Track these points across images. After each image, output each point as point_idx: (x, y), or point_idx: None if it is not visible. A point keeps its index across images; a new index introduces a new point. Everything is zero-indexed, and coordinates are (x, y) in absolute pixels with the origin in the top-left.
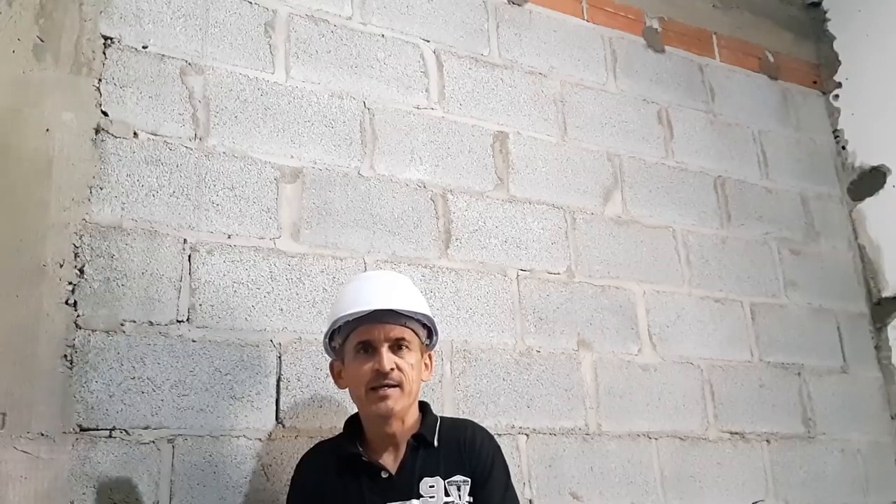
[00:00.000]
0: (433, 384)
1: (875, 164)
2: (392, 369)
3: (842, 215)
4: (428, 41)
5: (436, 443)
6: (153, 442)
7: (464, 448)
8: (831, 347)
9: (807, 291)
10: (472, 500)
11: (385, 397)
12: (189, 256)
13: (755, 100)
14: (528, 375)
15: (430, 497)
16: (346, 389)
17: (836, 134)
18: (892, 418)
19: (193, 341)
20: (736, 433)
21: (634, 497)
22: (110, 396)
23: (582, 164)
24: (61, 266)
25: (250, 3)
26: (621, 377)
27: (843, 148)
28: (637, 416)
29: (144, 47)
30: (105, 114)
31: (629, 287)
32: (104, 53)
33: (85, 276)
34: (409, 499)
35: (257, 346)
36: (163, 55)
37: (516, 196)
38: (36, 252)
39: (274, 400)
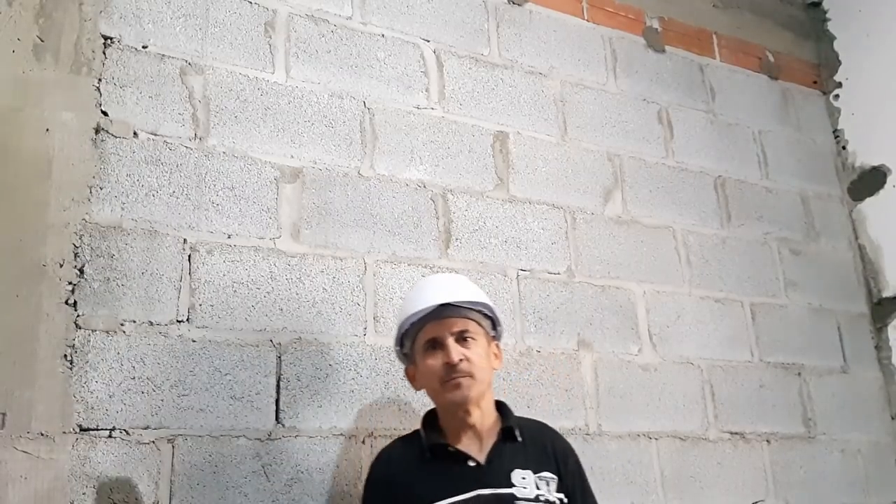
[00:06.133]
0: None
1: (875, 164)
2: (461, 360)
3: (842, 215)
4: (428, 41)
5: (519, 438)
6: (153, 442)
7: (552, 451)
8: (831, 347)
9: (807, 291)
10: (560, 496)
11: (458, 385)
12: (189, 256)
13: (755, 100)
14: (528, 375)
15: (523, 488)
16: (422, 391)
17: (837, 134)
18: (893, 418)
19: (193, 341)
20: (736, 433)
21: (634, 497)
22: (110, 396)
23: (582, 164)
24: (61, 266)
25: (250, 2)
26: (621, 377)
27: (844, 148)
28: (637, 416)
29: (144, 47)
30: (105, 114)
31: (629, 287)
32: (104, 53)
33: (85, 276)
34: (501, 487)
35: (257, 346)
36: (163, 55)
37: (516, 196)
38: (36, 252)
39: (274, 400)
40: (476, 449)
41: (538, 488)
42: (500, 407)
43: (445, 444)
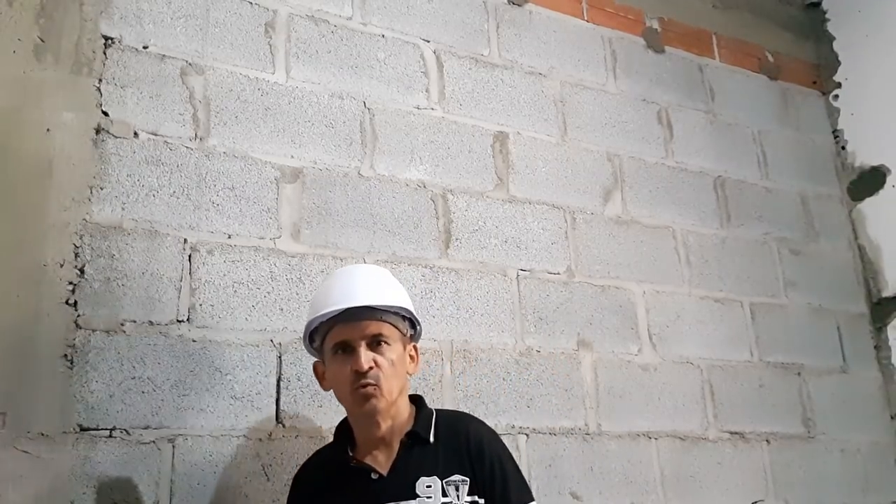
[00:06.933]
0: (433, 384)
1: (875, 164)
2: (371, 367)
3: (842, 215)
4: (428, 41)
5: (432, 439)
6: (153, 442)
7: (465, 447)
8: (831, 347)
9: (807, 291)
10: (472, 499)
11: (367, 396)
12: (189, 256)
13: (755, 100)
14: (528, 375)
15: (427, 497)
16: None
17: (836, 134)
18: (892, 418)
19: (193, 341)
20: (736, 433)
21: (634, 497)
22: (110, 396)
23: (582, 164)
24: (61, 266)
25: (250, 3)
26: (621, 377)
27: (843, 148)
28: (637, 416)
29: (145, 47)
30: (105, 114)
31: (629, 287)
32: (104, 53)
33: (85, 276)
34: (404, 499)
35: (257, 346)
36: (163, 55)
37: (516, 196)
38: (36, 252)
39: (274, 400)
40: (383, 459)
41: (445, 496)
42: (417, 404)
43: (346, 461)
